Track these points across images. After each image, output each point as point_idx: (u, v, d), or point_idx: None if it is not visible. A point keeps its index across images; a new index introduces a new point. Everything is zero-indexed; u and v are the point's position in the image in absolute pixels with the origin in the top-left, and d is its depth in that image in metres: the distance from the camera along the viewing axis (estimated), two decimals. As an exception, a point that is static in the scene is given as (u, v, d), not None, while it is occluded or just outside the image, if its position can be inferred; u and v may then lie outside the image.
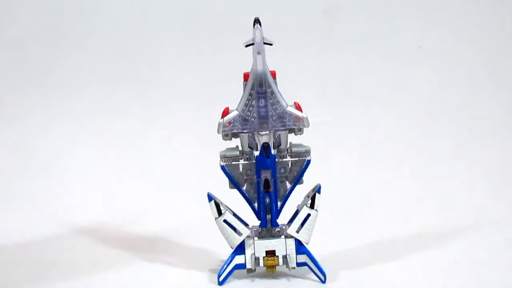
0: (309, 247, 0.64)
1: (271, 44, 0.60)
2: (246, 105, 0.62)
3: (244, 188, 0.64)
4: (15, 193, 1.00)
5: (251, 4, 1.14)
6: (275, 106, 0.62)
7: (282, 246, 0.64)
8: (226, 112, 0.62)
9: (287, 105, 0.62)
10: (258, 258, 0.64)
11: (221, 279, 0.63)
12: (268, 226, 0.65)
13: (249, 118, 0.62)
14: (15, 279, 0.68)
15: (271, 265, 0.64)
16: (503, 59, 1.26)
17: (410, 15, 1.25)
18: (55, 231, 0.84)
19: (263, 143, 0.63)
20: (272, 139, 0.63)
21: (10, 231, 0.84)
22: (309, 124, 0.62)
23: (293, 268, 0.64)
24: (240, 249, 0.64)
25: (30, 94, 1.16)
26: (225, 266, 0.64)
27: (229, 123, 0.62)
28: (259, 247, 0.64)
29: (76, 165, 1.08)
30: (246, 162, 0.64)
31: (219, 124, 0.62)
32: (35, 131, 1.13)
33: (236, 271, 0.64)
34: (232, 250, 0.64)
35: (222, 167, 0.64)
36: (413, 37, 1.24)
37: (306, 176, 0.64)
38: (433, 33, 1.25)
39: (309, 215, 0.64)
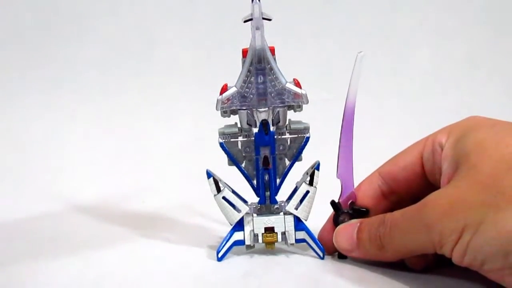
0: (307, 223, 0.64)
1: (270, 20, 0.60)
2: (244, 81, 0.61)
3: (243, 165, 0.64)
4: (15, 170, 1.01)
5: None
6: (274, 83, 0.62)
7: (281, 223, 0.64)
8: (224, 89, 0.62)
9: (286, 82, 0.62)
10: (257, 235, 0.64)
11: (220, 255, 0.64)
12: (267, 203, 0.65)
13: (248, 94, 0.62)
14: (14, 254, 0.68)
15: (270, 241, 0.64)
16: (503, 38, 1.26)
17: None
18: (55, 208, 0.84)
19: (262, 120, 0.62)
20: (271, 116, 0.63)
21: (10, 207, 0.84)
22: (308, 101, 0.62)
23: (292, 244, 0.64)
24: (239, 225, 0.64)
25: (29, 73, 1.15)
26: (224, 243, 0.64)
27: (228, 99, 0.62)
28: (258, 224, 0.64)
29: (76, 144, 1.09)
30: (245, 139, 0.64)
31: (218, 101, 0.62)
32: (35, 110, 1.13)
33: (235, 248, 0.64)
34: (231, 227, 0.64)
35: (221, 144, 0.64)
36: (414, 15, 1.23)
37: (305, 153, 0.64)
38: (433, 10, 1.25)
39: (308, 192, 0.64)
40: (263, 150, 0.63)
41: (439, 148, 0.59)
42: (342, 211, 0.63)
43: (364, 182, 0.65)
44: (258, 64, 0.61)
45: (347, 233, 0.61)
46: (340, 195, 0.64)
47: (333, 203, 0.64)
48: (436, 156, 0.59)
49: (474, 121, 0.59)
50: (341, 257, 0.63)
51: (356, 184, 0.65)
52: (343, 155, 0.63)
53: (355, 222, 0.61)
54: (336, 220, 0.63)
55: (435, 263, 0.59)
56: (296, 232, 0.64)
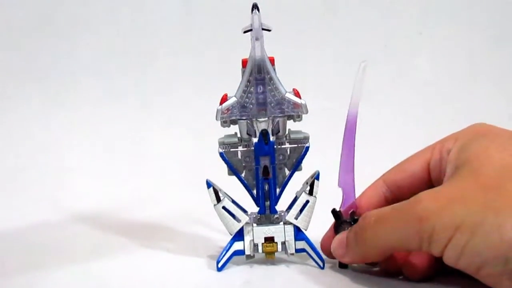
0: (307, 233, 0.64)
1: (269, 30, 0.60)
2: (244, 91, 0.62)
3: (243, 175, 0.64)
4: (15, 180, 1.01)
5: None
6: (273, 93, 0.62)
7: (281, 233, 0.64)
8: (224, 99, 0.62)
9: (286, 92, 0.62)
10: (257, 245, 0.64)
11: (220, 265, 0.64)
12: (267, 213, 0.65)
13: (248, 104, 0.62)
14: (14, 264, 0.68)
15: (270, 251, 0.64)
16: (503, 46, 1.26)
17: (410, 0, 1.24)
18: (55, 217, 0.84)
19: (262, 130, 0.62)
20: (271, 126, 0.63)
21: (10, 217, 0.84)
22: (308, 111, 0.62)
23: (292, 254, 0.64)
24: (239, 235, 0.64)
25: (28, 82, 1.16)
26: (224, 253, 0.64)
27: (228, 109, 0.62)
28: (258, 234, 0.64)
29: (75, 153, 1.09)
30: (245, 149, 0.64)
31: (218, 110, 0.62)
32: (34, 119, 1.13)
33: (235, 257, 0.64)
34: (231, 237, 0.64)
35: (221, 154, 0.64)
36: (413, 23, 1.24)
37: (305, 163, 0.64)
38: (432, 19, 1.25)
39: (307, 201, 0.64)
40: (263, 160, 0.63)
41: (447, 155, 0.58)
42: (342, 221, 0.63)
43: (368, 189, 0.64)
44: (258, 74, 0.61)
45: (341, 238, 0.60)
46: (341, 204, 0.64)
47: (334, 211, 0.64)
48: (443, 163, 0.58)
49: (481, 128, 0.58)
50: (342, 266, 0.63)
51: (357, 192, 0.64)
52: (345, 164, 0.63)
53: (350, 229, 0.60)
54: (336, 228, 0.63)
55: (434, 272, 0.59)
56: (296, 242, 0.64)
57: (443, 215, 0.50)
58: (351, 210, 0.64)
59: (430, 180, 0.61)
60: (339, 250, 0.60)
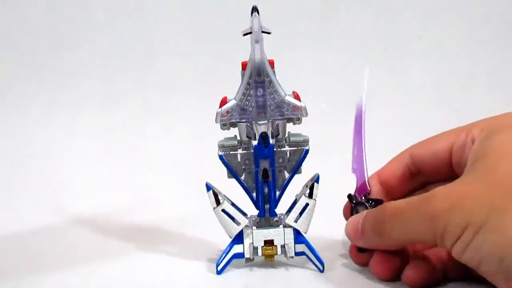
0: (307, 236, 0.64)
1: (269, 33, 0.60)
2: (244, 94, 0.62)
3: (243, 177, 0.64)
4: (14, 183, 1.01)
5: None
6: (273, 96, 0.62)
7: (280, 236, 0.64)
8: (224, 102, 0.62)
9: (286, 95, 0.62)
10: (257, 248, 0.64)
11: (219, 268, 0.64)
12: (267, 216, 0.65)
13: (247, 107, 0.62)
14: (14, 268, 0.68)
15: (269, 254, 0.64)
16: (503, 49, 1.26)
17: (410, 4, 1.24)
18: (55, 221, 0.84)
19: (261, 133, 0.62)
20: (271, 129, 0.63)
21: (9, 221, 0.84)
22: (307, 114, 0.62)
23: (292, 257, 0.64)
24: (238, 238, 0.64)
25: (28, 85, 1.16)
26: (223, 256, 0.64)
27: (227, 112, 0.62)
28: (257, 237, 0.64)
29: (75, 156, 1.09)
30: (245, 151, 0.64)
31: (217, 113, 0.62)
32: (34, 122, 1.13)
33: (234, 261, 0.64)
34: (230, 240, 0.64)
35: (220, 157, 0.64)
36: (413, 27, 1.24)
37: (304, 166, 0.64)
38: (432, 22, 1.25)
39: (307, 204, 0.64)
40: (263, 162, 0.63)
41: (471, 143, 0.58)
42: (358, 202, 0.63)
43: (393, 160, 0.66)
44: (258, 77, 0.61)
45: (354, 222, 0.61)
46: (356, 188, 0.65)
47: (349, 196, 0.64)
48: (466, 150, 0.59)
49: (509, 119, 0.58)
50: (361, 250, 0.62)
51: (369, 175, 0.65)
52: (356, 152, 0.65)
53: (363, 212, 0.61)
54: (351, 212, 0.64)
55: (438, 280, 0.59)
56: (296, 245, 0.64)
57: (454, 214, 0.52)
58: (364, 193, 0.64)
59: (451, 163, 0.61)
60: (353, 235, 0.61)
